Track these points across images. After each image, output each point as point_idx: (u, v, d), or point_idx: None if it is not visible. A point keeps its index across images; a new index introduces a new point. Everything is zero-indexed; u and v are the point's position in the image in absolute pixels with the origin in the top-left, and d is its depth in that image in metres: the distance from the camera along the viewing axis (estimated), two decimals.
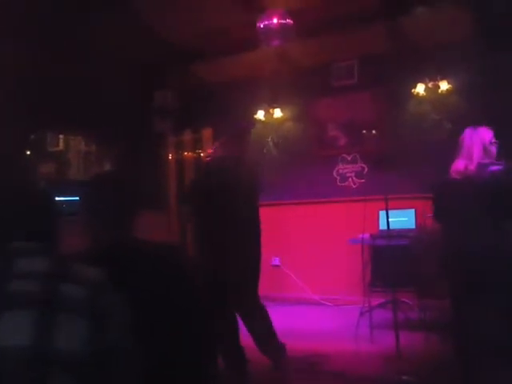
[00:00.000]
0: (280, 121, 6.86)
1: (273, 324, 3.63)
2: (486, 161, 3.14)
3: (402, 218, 5.40)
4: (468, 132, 3.30)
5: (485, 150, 3.18)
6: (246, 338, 3.67)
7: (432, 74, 5.82)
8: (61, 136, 6.94)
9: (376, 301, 5.05)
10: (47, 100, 5.52)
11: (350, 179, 6.50)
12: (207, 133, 7.46)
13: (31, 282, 1.17)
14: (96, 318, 1.17)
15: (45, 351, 1.09)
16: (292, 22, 4.94)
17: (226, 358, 3.48)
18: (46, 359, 1.09)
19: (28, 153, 6.22)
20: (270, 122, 6.87)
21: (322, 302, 6.26)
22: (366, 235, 4.85)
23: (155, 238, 1.79)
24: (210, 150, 3.90)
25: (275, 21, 4.84)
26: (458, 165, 3.21)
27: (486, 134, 3.24)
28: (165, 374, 1.58)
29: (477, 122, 3.41)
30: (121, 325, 1.24)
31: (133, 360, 1.26)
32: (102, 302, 1.21)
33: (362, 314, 4.77)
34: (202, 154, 7.53)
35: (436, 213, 3.38)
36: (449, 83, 5.80)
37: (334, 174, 6.59)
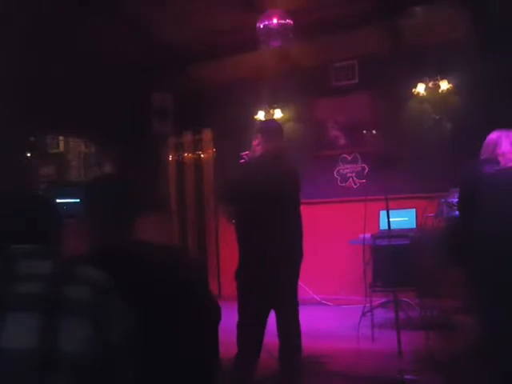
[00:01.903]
0: (280, 121, 6.85)
1: (301, 334, 3.61)
2: None
3: (402, 218, 5.41)
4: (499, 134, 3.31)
5: None
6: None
7: (432, 73, 5.82)
8: (61, 138, 6.95)
9: (377, 300, 5.06)
10: (47, 102, 5.52)
11: (351, 179, 6.50)
12: (207, 134, 7.47)
13: (35, 284, 1.17)
14: (100, 319, 1.17)
15: (49, 353, 1.09)
16: (292, 22, 4.93)
17: (243, 349, 3.45)
18: (51, 361, 1.09)
19: (28, 155, 6.22)
20: None
21: (324, 302, 6.26)
22: (367, 235, 4.85)
23: (155, 240, 1.79)
24: (246, 152, 3.87)
25: (275, 21, 4.83)
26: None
27: None
28: (166, 376, 1.58)
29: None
30: (124, 326, 1.24)
31: (135, 362, 1.27)
32: (105, 303, 1.21)
33: (363, 313, 4.77)
34: (202, 155, 7.55)
35: (462, 202, 3.39)
36: (449, 83, 5.80)
37: (335, 174, 6.59)
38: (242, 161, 3.86)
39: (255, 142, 3.73)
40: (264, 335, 3.49)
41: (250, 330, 3.48)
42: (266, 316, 3.52)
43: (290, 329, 3.57)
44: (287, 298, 3.60)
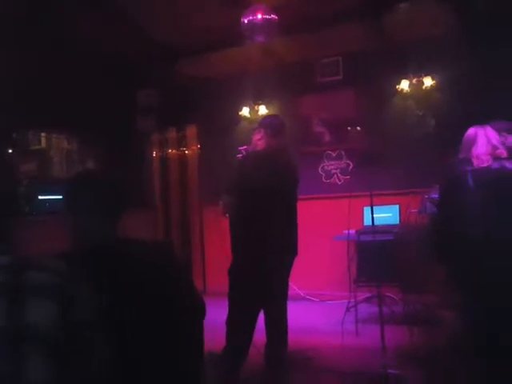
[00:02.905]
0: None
1: (287, 330, 3.62)
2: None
3: (386, 214, 5.43)
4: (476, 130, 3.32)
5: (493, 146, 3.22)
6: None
7: (416, 70, 5.85)
8: (43, 134, 6.88)
9: (361, 296, 5.09)
10: (29, 98, 5.46)
11: (335, 176, 6.52)
12: (191, 130, 7.45)
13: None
14: (62, 299, 1.22)
15: (18, 327, 1.14)
16: (276, 17, 4.92)
17: (232, 345, 3.45)
18: (20, 334, 1.14)
19: (10, 151, 6.15)
20: (254, 119, 6.85)
21: (308, 297, 6.28)
22: (352, 231, 4.87)
23: (140, 236, 1.78)
24: (244, 146, 3.85)
25: (259, 16, 4.81)
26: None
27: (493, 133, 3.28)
28: (152, 372, 1.57)
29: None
30: (86, 305, 1.28)
31: (105, 347, 1.30)
32: (66, 285, 1.25)
33: (347, 308, 4.80)
34: (186, 152, 7.52)
35: (439, 201, 3.43)
36: (433, 79, 5.84)
37: (320, 170, 6.60)
38: (240, 155, 3.85)
39: (257, 137, 3.71)
40: (254, 332, 3.50)
41: (242, 326, 3.48)
42: (258, 313, 3.52)
43: (279, 326, 3.59)
44: (279, 295, 3.61)
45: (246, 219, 3.52)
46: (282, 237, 3.48)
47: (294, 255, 3.68)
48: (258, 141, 3.71)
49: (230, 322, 3.48)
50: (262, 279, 3.40)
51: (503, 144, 3.27)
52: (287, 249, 3.59)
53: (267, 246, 3.42)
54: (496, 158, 3.16)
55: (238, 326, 3.47)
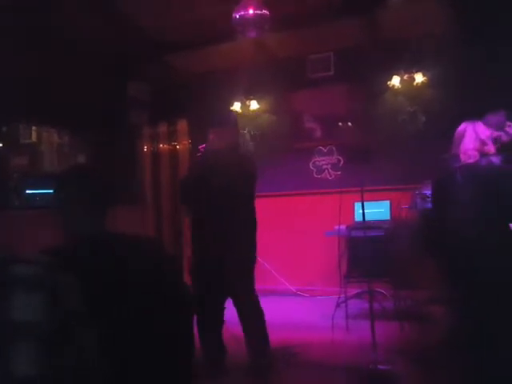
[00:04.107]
0: (256, 113, 6.84)
1: (265, 320, 3.64)
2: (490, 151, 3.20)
3: (377, 210, 5.45)
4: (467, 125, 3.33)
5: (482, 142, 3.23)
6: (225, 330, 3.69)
7: (407, 66, 5.86)
8: (33, 128, 6.83)
9: (352, 291, 5.11)
10: (19, 92, 5.41)
11: (326, 171, 6.53)
12: (182, 125, 7.41)
13: None
14: (48, 291, 1.21)
15: (4, 324, 1.13)
16: (268, 12, 4.90)
17: (206, 349, 3.48)
18: (6, 331, 1.12)
19: (0, 145, 6.10)
20: (246, 114, 6.85)
21: (299, 293, 6.30)
22: (342, 227, 4.88)
23: (130, 231, 1.77)
24: (203, 145, 3.86)
25: (251, 11, 4.79)
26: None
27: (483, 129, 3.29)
28: (140, 366, 1.57)
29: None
30: (73, 296, 1.28)
31: (92, 339, 1.29)
32: (50, 277, 1.25)
33: (338, 304, 4.81)
34: (177, 146, 7.49)
35: (434, 196, 3.44)
36: (424, 75, 5.85)
37: (311, 165, 6.61)
38: (199, 154, 3.86)
39: (211, 136, 3.73)
40: (221, 329, 3.54)
41: (208, 324, 3.53)
42: (220, 310, 3.57)
43: (248, 319, 3.62)
44: (242, 291, 3.63)
45: (200, 219, 3.57)
46: (235, 235, 3.50)
47: (252, 251, 3.69)
48: (212, 140, 3.73)
49: (198, 321, 3.51)
50: (219, 279, 3.44)
51: (507, 133, 3.27)
52: (242, 246, 3.59)
53: (222, 246, 3.46)
54: (484, 154, 3.17)
55: (205, 324, 3.52)
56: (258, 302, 3.64)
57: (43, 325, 1.16)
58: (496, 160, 3.13)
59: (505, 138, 3.43)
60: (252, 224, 3.68)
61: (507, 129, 3.64)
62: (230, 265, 3.48)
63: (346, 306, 4.77)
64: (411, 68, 5.87)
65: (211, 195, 3.45)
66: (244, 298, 3.63)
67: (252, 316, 3.62)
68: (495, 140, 3.28)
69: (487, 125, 3.32)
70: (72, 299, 1.26)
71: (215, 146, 3.67)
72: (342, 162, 6.42)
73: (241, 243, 3.54)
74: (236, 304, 3.63)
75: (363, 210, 4.29)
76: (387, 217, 5.42)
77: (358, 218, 5.25)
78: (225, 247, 3.46)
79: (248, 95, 6.83)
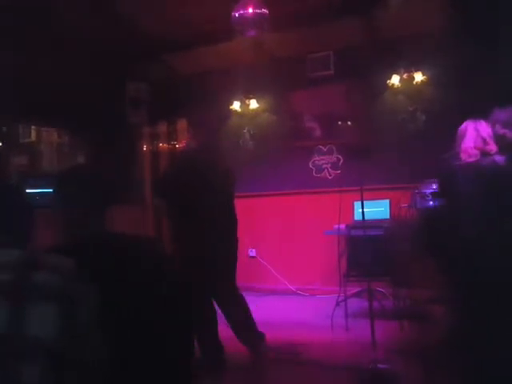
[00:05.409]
0: (256, 112, 6.84)
1: (251, 313, 3.66)
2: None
3: (376, 209, 5.44)
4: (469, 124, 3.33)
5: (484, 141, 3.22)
6: (223, 328, 3.69)
7: (407, 65, 5.86)
8: (33, 127, 6.83)
9: (351, 290, 5.11)
10: (19, 91, 5.41)
11: (326, 170, 6.53)
12: (182, 124, 7.41)
13: (2, 272, 1.16)
14: (67, 304, 1.18)
15: (17, 338, 1.09)
16: (267, 11, 4.90)
17: (203, 348, 3.49)
18: (19, 346, 1.09)
19: (0, 145, 6.11)
20: (245, 113, 6.85)
21: (298, 292, 6.30)
22: (342, 226, 4.88)
23: (130, 231, 1.77)
24: (182, 144, 3.90)
25: (250, 10, 4.78)
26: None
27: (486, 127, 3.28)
28: (140, 366, 1.57)
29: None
30: (91, 312, 1.25)
31: (103, 349, 1.27)
32: (72, 289, 1.21)
33: (337, 303, 4.81)
34: (176, 146, 7.49)
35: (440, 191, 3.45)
36: (423, 74, 5.85)
37: (310, 165, 6.60)
38: (181, 151, 3.90)
39: (189, 135, 3.76)
40: (215, 326, 3.59)
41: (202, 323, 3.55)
42: (211, 309, 3.58)
43: (233, 318, 3.65)
44: (224, 292, 3.65)
45: (179, 218, 3.59)
46: (210, 236, 3.50)
47: (233, 250, 3.70)
48: (190, 140, 3.76)
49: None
50: (201, 279, 3.45)
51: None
52: (221, 246, 3.59)
53: (202, 245, 3.46)
54: (485, 153, 3.16)
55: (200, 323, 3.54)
56: (241, 296, 3.68)
57: (55, 342, 1.12)
58: (500, 159, 3.12)
59: (510, 135, 3.39)
60: (231, 223, 3.68)
61: None
62: (211, 264, 3.49)
63: (346, 305, 4.77)
64: (411, 67, 5.86)
65: (187, 194, 3.46)
66: (227, 296, 3.66)
67: (239, 314, 3.66)
68: (501, 138, 3.25)
69: (494, 121, 3.29)
70: (89, 312, 1.23)
71: (190, 145, 3.71)
72: (341, 161, 6.41)
73: (223, 242, 3.55)
74: (219, 303, 3.65)
75: (363, 208, 4.28)
76: (387, 216, 5.42)
77: (357, 217, 5.24)
78: (205, 246, 3.47)
79: (247, 94, 6.83)
